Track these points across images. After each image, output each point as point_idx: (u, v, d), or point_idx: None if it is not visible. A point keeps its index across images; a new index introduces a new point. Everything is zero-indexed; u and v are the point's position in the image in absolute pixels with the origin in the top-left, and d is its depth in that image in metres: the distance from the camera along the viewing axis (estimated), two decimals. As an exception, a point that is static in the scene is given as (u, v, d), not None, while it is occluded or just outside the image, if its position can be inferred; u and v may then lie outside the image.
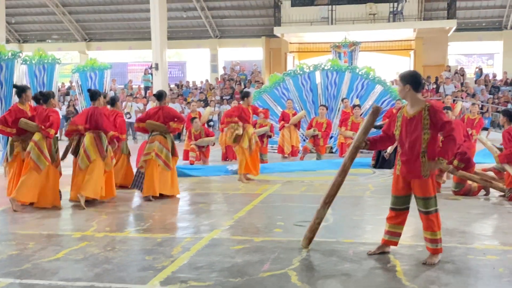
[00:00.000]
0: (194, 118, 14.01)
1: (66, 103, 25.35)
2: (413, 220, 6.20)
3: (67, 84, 29.20)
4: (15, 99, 17.68)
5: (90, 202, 8.20)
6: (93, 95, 8.62)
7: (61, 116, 13.44)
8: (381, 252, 5.44)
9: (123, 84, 29.31)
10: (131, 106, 22.15)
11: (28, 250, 5.72)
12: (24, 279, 4.80)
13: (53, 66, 19.38)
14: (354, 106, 15.12)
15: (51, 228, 6.81)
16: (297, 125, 15.26)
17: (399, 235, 5.43)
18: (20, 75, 18.70)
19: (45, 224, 7.01)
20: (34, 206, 7.98)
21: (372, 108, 5.51)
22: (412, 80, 5.24)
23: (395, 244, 5.46)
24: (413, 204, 5.32)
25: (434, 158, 5.14)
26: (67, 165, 8.55)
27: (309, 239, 5.69)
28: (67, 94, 27.46)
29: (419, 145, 5.14)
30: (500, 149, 8.89)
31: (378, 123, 15.99)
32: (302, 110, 16.49)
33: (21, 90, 8.50)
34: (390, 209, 5.42)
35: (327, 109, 15.60)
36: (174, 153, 9.00)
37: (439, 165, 5.19)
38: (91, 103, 8.69)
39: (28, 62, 19.11)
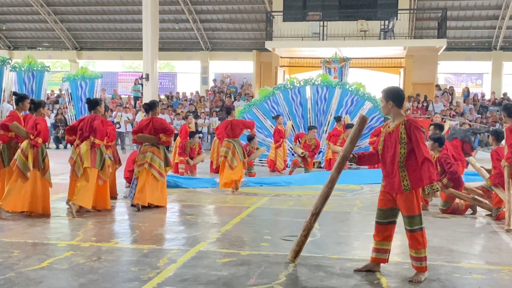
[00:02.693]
0: (194, 132, 14.21)
1: (55, 111, 25.25)
2: (400, 237, 6.21)
3: (56, 92, 29.09)
4: (3, 105, 17.60)
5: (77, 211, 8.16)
6: (93, 104, 8.70)
7: (49, 125, 13.40)
8: (369, 271, 5.40)
9: (111, 94, 29.28)
10: (121, 116, 22.11)
11: (12, 258, 5.66)
12: (7, 288, 4.75)
13: (42, 74, 19.33)
14: (348, 125, 15.15)
15: (37, 236, 6.75)
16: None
17: (386, 251, 5.40)
18: (9, 82, 18.63)
19: (30, 233, 6.95)
20: (26, 214, 7.93)
21: (358, 117, 5.50)
22: (395, 97, 5.28)
23: (384, 261, 5.42)
24: (400, 222, 5.33)
25: (416, 173, 5.13)
26: (56, 173, 8.48)
27: (296, 252, 5.67)
28: (56, 102, 27.36)
29: (397, 159, 5.16)
30: (489, 171, 8.92)
31: (365, 140, 16.13)
32: (288, 121, 16.58)
33: (19, 99, 8.51)
34: (375, 223, 5.40)
35: (317, 129, 15.72)
36: (167, 163, 9.02)
37: (433, 192, 5.19)
38: (91, 112, 8.79)
39: (17, 69, 19.04)
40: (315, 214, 5.63)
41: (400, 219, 5.32)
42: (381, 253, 5.39)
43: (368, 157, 5.58)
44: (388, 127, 5.31)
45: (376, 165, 9.60)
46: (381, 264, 5.48)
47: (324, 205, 5.63)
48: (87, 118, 8.60)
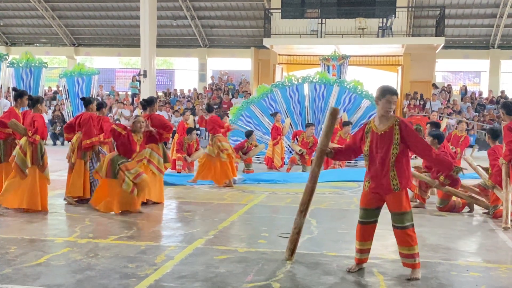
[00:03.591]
0: (192, 129, 14.17)
1: (52, 107, 25.21)
2: (397, 235, 6.21)
3: (54, 89, 29.05)
4: (1, 101, 17.58)
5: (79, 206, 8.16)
6: (86, 102, 9.08)
7: (47, 121, 13.38)
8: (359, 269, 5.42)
9: (109, 91, 29.29)
10: (121, 112, 22.10)
11: (9, 254, 5.66)
12: (4, 284, 4.74)
13: (40, 70, 19.29)
14: (345, 123, 15.14)
15: (34, 233, 6.74)
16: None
17: (368, 251, 5.41)
18: (7, 78, 18.60)
19: (28, 229, 6.94)
20: (24, 211, 7.92)
21: (329, 109, 5.47)
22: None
23: (366, 261, 5.44)
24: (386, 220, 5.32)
25: (404, 172, 5.15)
26: (53, 170, 8.47)
27: (291, 250, 5.67)
28: (54, 98, 27.32)
29: (388, 160, 5.13)
30: (486, 169, 8.92)
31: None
32: (286, 118, 16.58)
33: (18, 95, 8.50)
34: (359, 223, 5.35)
35: (314, 127, 15.69)
36: (166, 160, 9.02)
37: (459, 172, 5.22)
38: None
39: (15, 65, 19.00)
40: (303, 211, 5.63)
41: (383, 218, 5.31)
42: (365, 253, 5.39)
43: (344, 152, 5.56)
44: (376, 128, 5.21)
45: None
46: (378, 262, 5.50)
47: (310, 201, 5.62)
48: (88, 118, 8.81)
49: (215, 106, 24.30)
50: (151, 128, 8.65)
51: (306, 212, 5.65)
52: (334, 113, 5.40)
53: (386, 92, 5.14)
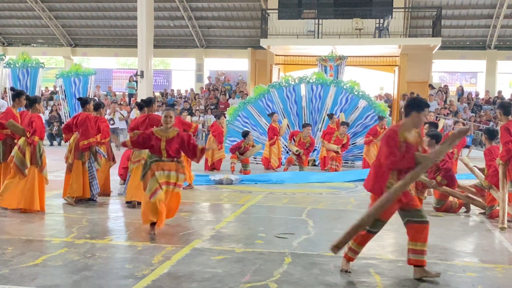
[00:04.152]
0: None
1: (49, 108, 25.18)
2: (394, 235, 6.22)
3: (51, 89, 29.02)
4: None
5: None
6: (83, 102, 9.16)
7: (44, 121, 13.40)
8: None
9: (106, 91, 29.26)
10: (116, 112, 22.12)
11: (6, 255, 5.65)
12: (1, 285, 4.74)
13: (36, 70, 19.31)
14: (343, 123, 15.17)
15: (31, 233, 6.73)
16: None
17: (358, 253, 5.42)
18: (3, 78, 18.62)
19: (25, 229, 6.94)
20: (21, 211, 7.91)
21: (461, 129, 5.23)
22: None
23: (353, 260, 5.44)
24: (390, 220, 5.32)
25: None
26: (50, 170, 8.47)
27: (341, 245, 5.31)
28: (51, 99, 27.29)
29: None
30: (482, 169, 8.94)
31: (359, 138, 16.20)
32: (284, 119, 16.59)
33: (16, 95, 8.50)
34: (368, 232, 5.24)
35: (311, 127, 15.70)
36: None
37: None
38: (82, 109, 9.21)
39: (11, 66, 19.01)
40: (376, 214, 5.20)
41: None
42: (356, 254, 5.39)
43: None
44: (408, 139, 5.16)
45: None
46: (375, 262, 5.52)
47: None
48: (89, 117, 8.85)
49: (212, 107, 24.33)
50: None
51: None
52: (463, 132, 5.17)
53: (424, 105, 5.20)
